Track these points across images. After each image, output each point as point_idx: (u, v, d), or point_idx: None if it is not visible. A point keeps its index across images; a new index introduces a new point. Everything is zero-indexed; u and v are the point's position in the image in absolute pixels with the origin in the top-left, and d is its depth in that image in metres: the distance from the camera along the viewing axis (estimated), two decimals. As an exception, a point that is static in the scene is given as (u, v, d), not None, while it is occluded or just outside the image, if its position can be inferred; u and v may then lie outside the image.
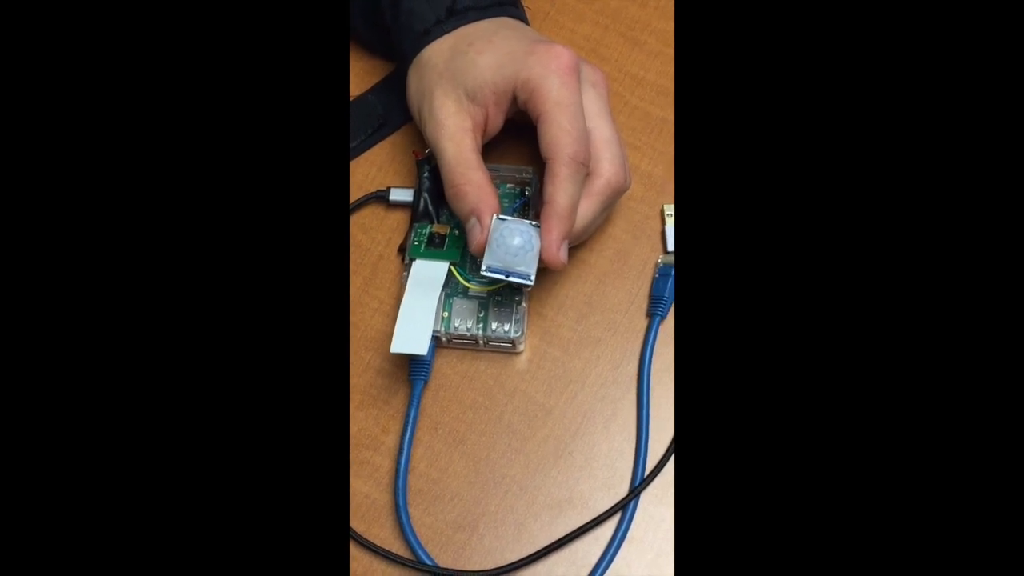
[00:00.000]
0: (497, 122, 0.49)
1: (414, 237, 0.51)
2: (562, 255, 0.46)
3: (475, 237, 0.47)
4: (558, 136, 0.46)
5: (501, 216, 0.47)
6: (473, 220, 0.47)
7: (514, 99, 0.48)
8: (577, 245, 0.53)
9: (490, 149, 0.52)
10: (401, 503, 0.48)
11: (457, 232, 0.51)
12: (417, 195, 0.53)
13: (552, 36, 0.57)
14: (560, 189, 0.46)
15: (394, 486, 0.49)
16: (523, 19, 0.52)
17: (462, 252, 0.51)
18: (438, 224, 0.52)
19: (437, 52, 0.49)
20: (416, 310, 0.48)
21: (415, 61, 0.50)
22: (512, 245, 0.46)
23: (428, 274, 0.49)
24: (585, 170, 0.47)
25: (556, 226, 0.46)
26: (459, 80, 0.48)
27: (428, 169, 0.52)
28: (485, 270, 0.47)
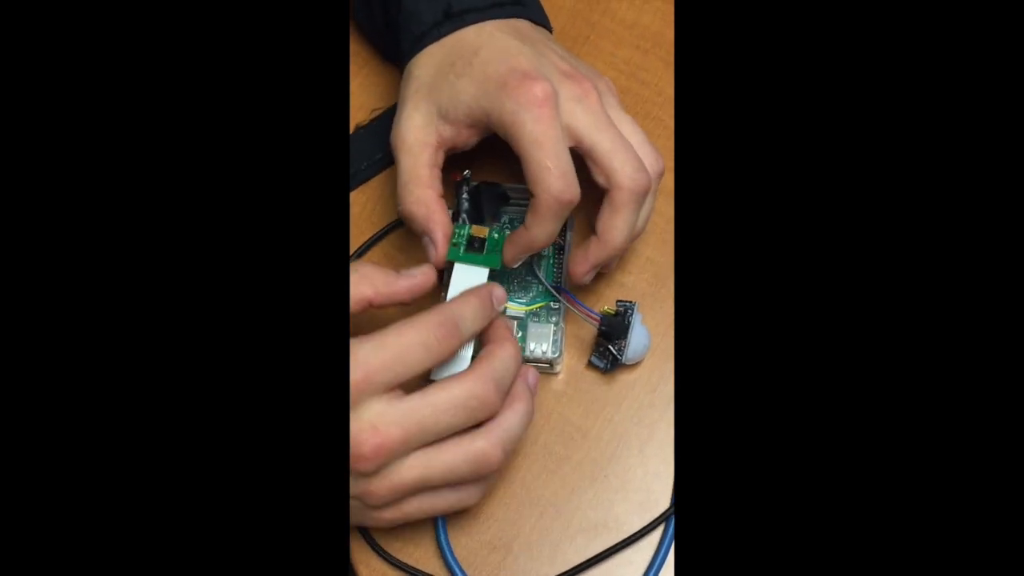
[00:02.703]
0: (470, 141, 0.49)
1: (453, 237, 0.50)
2: (515, 265, 0.49)
3: (430, 255, 0.48)
4: (540, 175, 0.45)
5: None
6: (426, 239, 0.48)
7: (490, 129, 0.48)
8: (615, 267, 0.53)
9: (516, 170, 0.52)
10: (440, 523, 0.48)
11: (496, 236, 0.50)
12: (455, 216, 0.53)
13: (592, 60, 0.57)
14: (538, 224, 0.46)
15: (431, 506, 0.49)
16: (531, 17, 0.51)
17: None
18: (476, 227, 0.50)
19: (425, 65, 0.49)
20: None
21: (405, 70, 0.50)
22: (643, 345, 0.50)
23: (468, 285, 0.48)
24: (570, 208, 0.46)
25: (519, 250, 0.48)
26: (434, 97, 0.48)
27: (466, 191, 0.52)
28: (626, 361, 0.50)
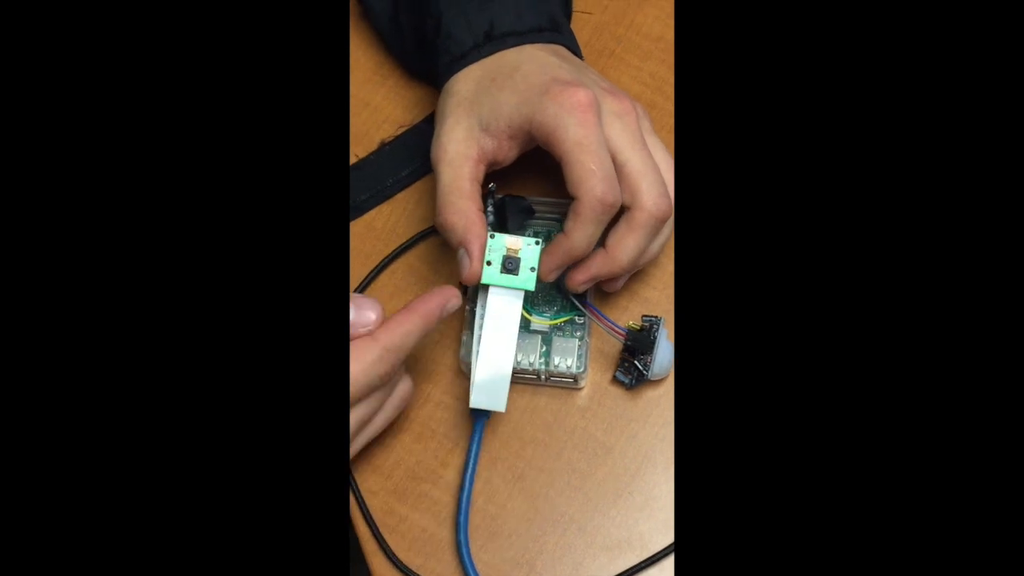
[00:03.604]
0: (510, 155, 0.49)
1: (487, 255, 0.49)
2: (552, 278, 0.48)
3: (464, 268, 0.48)
4: (583, 177, 0.45)
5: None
6: (462, 252, 0.47)
7: (531, 138, 0.47)
8: (640, 282, 0.53)
9: (541, 184, 0.53)
10: (463, 539, 0.47)
11: (529, 248, 0.49)
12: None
13: (619, 74, 0.57)
14: (579, 228, 0.46)
15: (454, 521, 0.48)
16: (566, 44, 0.52)
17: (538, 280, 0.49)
18: (511, 238, 0.49)
19: (464, 82, 0.49)
20: (493, 359, 0.48)
21: (444, 88, 0.50)
22: (669, 360, 0.49)
23: (503, 311, 0.48)
24: (612, 213, 0.46)
25: (559, 259, 0.47)
26: (475, 111, 0.48)
27: (491, 203, 0.52)
28: (651, 376, 0.49)
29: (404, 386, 0.48)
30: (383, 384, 0.45)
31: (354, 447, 0.46)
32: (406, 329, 0.45)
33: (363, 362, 0.43)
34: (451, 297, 0.46)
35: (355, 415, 0.44)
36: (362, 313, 0.44)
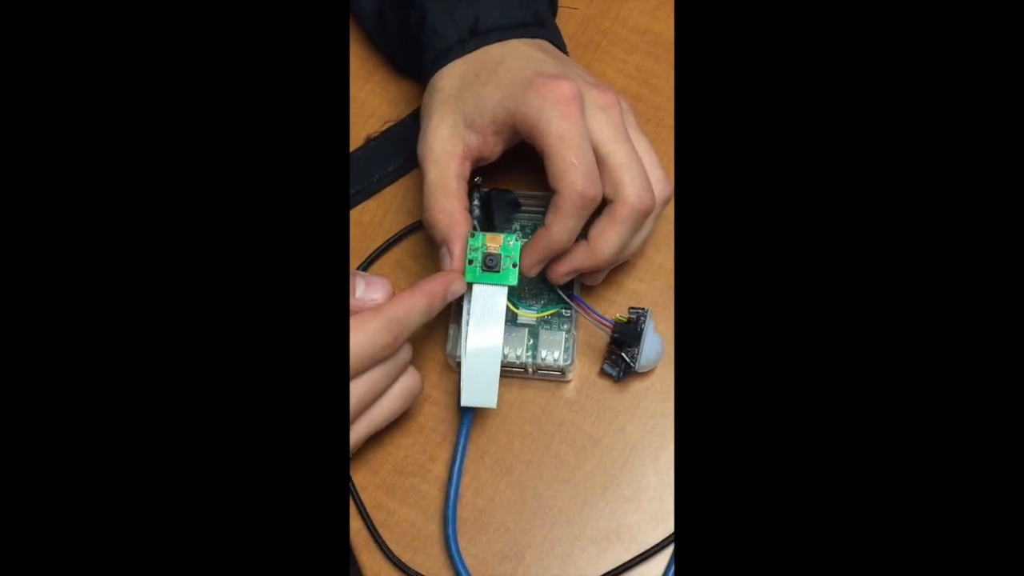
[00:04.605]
0: (496, 150, 0.49)
1: (468, 254, 0.49)
2: (534, 272, 0.49)
3: (445, 266, 0.48)
4: (564, 170, 0.45)
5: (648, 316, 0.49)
6: (444, 250, 0.48)
7: (515, 132, 0.48)
8: (626, 275, 0.53)
9: (528, 177, 0.53)
10: (451, 533, 0.47)
11: (511, 243, 0.49)
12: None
13: (604, 67, 0.57)
14: (559, 221, 0.46)
15: (442, 515, 0.48)
16: (552, 39, 0.52)
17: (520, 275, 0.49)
18: (490, 235, 0.49)
19: (449, 78, 0.50)
20: (481, 357, 0.48)
21: (429, 84, 0.50)
22: (656, 352, 0.49)
23: (488, 307, 0.48)
24: (592, 207, 0.46)
25: (540, 253, 0.48)
26: (460, 107, 0.48)
27: (477, 197, 0.52)
28: (639, 368, 0.49)
29: (411, 378, 0.47)
30: (385, 356, 0.45)
31: (355, 435, 0.46)
32: (409, 304, 0.45)
33: (366, 331, 0.43)
34: (455, 280, 0.47)
35: (356, 389, 0.44)
36: (370, 290, 0.45)
